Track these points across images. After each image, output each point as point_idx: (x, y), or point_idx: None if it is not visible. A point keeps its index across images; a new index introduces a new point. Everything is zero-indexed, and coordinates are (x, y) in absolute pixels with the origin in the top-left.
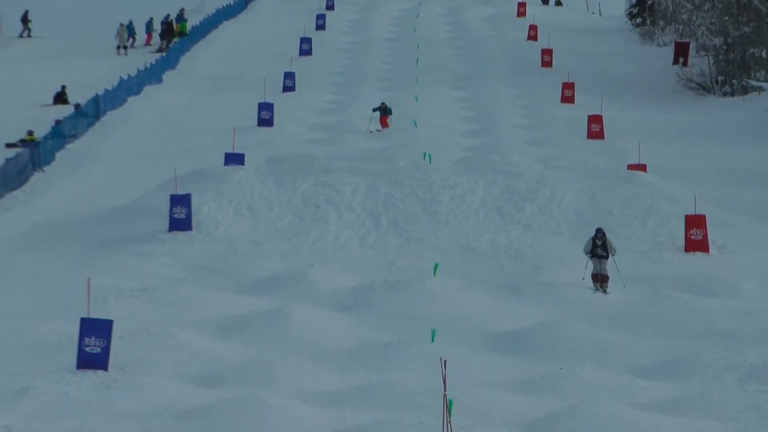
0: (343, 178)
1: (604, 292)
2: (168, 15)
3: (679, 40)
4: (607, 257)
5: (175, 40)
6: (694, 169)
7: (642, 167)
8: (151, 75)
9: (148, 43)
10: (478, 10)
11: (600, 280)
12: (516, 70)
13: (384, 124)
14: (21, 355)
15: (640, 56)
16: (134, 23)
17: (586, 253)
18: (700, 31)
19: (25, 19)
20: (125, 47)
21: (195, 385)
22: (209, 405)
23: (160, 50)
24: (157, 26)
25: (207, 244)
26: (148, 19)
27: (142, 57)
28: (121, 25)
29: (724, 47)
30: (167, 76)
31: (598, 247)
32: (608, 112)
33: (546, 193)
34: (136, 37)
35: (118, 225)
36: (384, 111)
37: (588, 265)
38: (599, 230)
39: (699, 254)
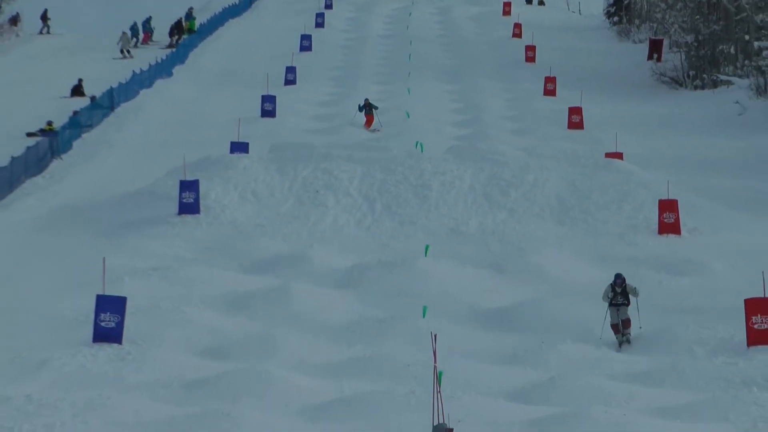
0: (341, 165)
1: (628, 341)
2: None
3: (653, 38)
4: (627, 304)
5: (185, 36)
6: (667, 158)
7: (619, 155)
8: (162, 69)
9: (145, 42)
10: (466, 10)
11: (621, 326)
12: (501, 65)
13: (369, 123)
14: (41, 330)
15: (617, 52)
16: (138, 24)
17: (605, 301)
18: (673, 29)
19: (44, 17)
20: (128, 51)
21: (203, 357)
22: (216, 376)
23: (170, 46)
24: (155, 25)
25: (214, 226)
26: (145, 18)
27: (153, 53)
28: (124, 33)
29: (695, 44)
30: (177, 70)
31: (618, 295)
32: (587, 104)
33: (529, 179)
34: (139, 36)
35: (131, 209)
36: (368, 108)
37: (606, 318)
38: (618, 276)
39: (671, 236)
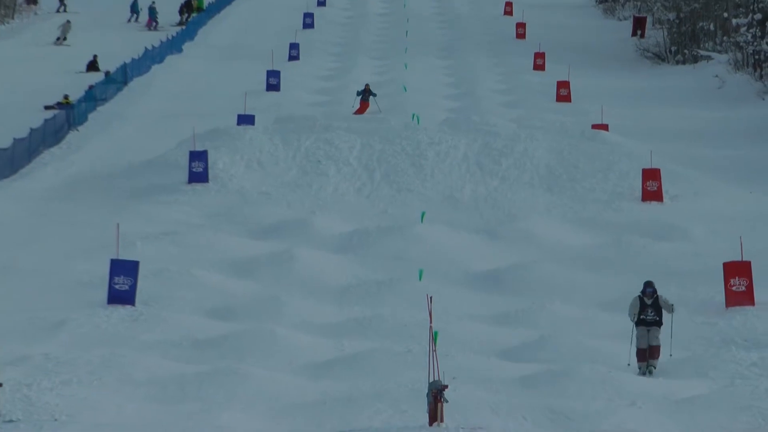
0: (342, 136)
1: (650, 373)
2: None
3: (637, 15)
4: (659, 323)
5: (194, 15)
6: (650, 128)
7: (604, 127)
8: (173, 46)
9: (149, 26)
10: None
11: (648, 354)
12: (493, 41)
13: (362, 110)
14: (58, 292)
15: (603, 29)
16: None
17: (632, 319)
18: (656, 7)
19: None
20: (65, 38)
21: (211, 317)
22: (223, 335)
23: (180, 24)
24: (143, 6)
25: (222, 194)
26: (150, 4)
27: (165, 31)
28: (67, 21)
29: (677, 21)
30: (187, 46)
31: (648, 308)
32: (575, 78)
33: (520, 149)
34: (140, 15)
35: (143, 177)
36: (367, 94)
37: (633, 338)
38: (649, 285)
39: (654, 203)
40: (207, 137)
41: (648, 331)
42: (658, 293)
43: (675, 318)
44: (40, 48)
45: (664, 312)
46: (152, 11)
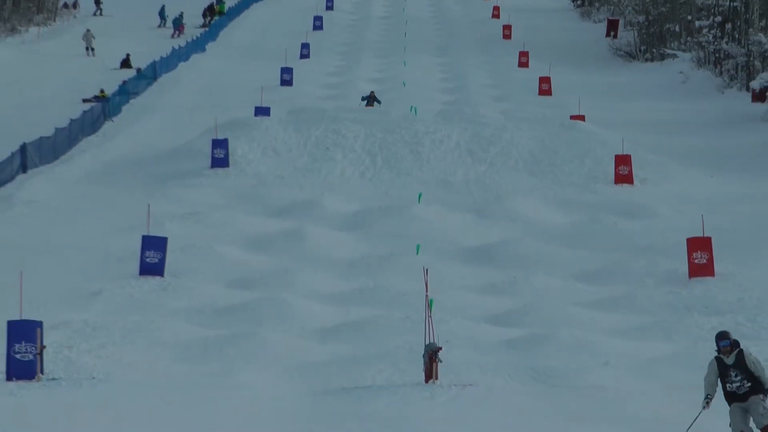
0: (348, 126)
1: None
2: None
3: (610, 18)
4: (758, 390)
5: (216, 18)
6: (622, 119)
7: (581, 118)
8: (197, 46)
9: (180, 33)
10: None
11: None
12: (483, 41)
13: None
14: (95, 265)
15: (580, 30)
16: (165, 9)
17: (708, 391)
18: (627, 11)
19: (97, 1)
20: (92, 49)
21: (231, 288)
22: (242, 303)
23: (203, 26)
24: (192, 8)
25: (241, 178)
26: (178, 13)
27: (191, 32)
28: (87, 30)
29: (646, 23)
30: (210, 46)
31: (731, 371)
32: (555, 74)
33: (506, 137)
34: (167, 22)
35: (170, 163)
36: (372, 100)
37: (699, 415)
38: (722, 336)
39: (626, 186)
40: (227, 127)
41: (745, 408)
42: (742, 347)
43: (642, 289)
44: (79, 47)
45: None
46: (177, 21)
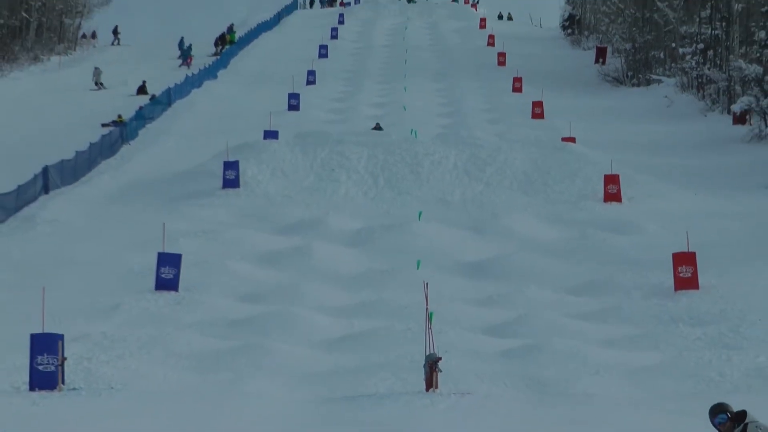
0: (351, 148)
1: None
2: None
3: (599, 45)
4: None
5: (227, 47)
6: (610, 141)
7: (572, 140)
8: (209, 73)
9: (189, 63)
10: (450, 24)
11: None
12: (478, 68)
13: None
14: (113, 280)
15: (571, 57)
16: (184, 41)
17: None
18: (615, 39)
19: (115, 31)
20: (101, 83)
21: (242, 301)
22: (252, 316)
23: (215, 54)
24: (202, 39)
25: (250, 198)
26: (187, 45)
27: (203, 60)
28: (96, 68)
29: (633, 50)
30: (221, 73)
31: None
32: (547, 99)
33: (501, 158)
34: (184, 52)
35: (184, 184)
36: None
37: None
38: (717, 410)
39: (614, 204)
40: (238, 150)
41: None
42: (749, 419)
43: (630, 301)
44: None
45: None
46: (186, 52)
